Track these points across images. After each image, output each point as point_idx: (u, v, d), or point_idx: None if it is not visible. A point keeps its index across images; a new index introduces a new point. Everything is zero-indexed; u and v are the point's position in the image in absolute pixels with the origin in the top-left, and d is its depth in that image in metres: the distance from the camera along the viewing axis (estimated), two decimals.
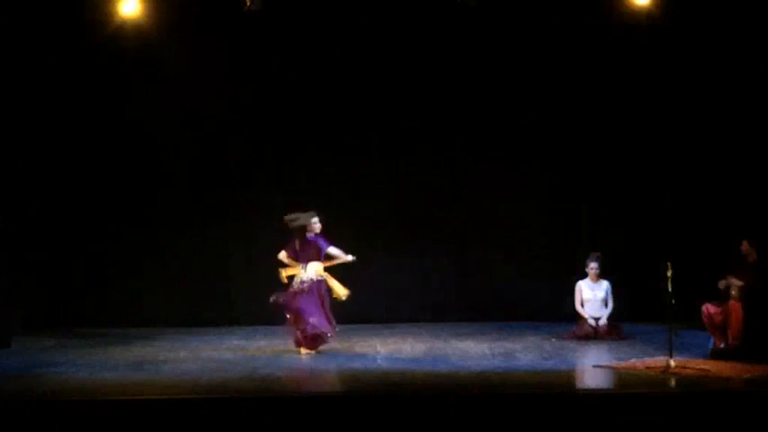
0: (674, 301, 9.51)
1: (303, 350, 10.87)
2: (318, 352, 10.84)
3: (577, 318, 12.14)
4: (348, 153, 13.53)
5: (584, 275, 12.23)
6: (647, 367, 9.59)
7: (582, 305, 12.16)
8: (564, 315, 12.50)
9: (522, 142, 13.63)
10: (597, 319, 12.03)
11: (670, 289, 9.53)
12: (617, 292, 12.18)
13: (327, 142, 13.54)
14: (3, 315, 11.65)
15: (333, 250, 11.05)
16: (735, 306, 10.20)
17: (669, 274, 9.55)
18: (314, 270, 10.97)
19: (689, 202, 13.22)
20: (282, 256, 11.05)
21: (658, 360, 9.77)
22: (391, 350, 11.06)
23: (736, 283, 10.24)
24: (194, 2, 12.95)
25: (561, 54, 13.36)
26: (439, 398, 8.45)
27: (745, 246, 10.45)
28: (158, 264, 13.42)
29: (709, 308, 10.38)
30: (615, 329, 11.92)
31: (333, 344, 11.20)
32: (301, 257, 11.00)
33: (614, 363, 9.99)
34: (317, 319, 10.81)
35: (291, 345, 11.00)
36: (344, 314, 12.93)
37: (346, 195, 13.26)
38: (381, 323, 13.03)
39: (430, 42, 13.42)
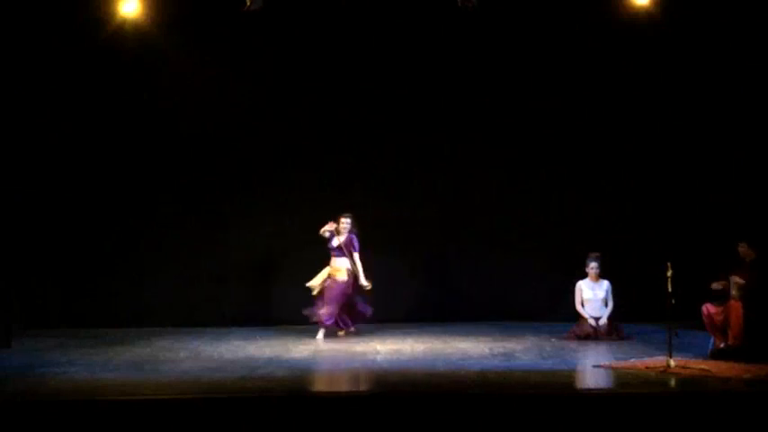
0: (674, 301, 9.51)
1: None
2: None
3: (577, 318, 12.15)
4: (348, 153, 13.53)
5: (584, 275, 12.24)
6: (647, 367, 9.59)
7: (582, 305, 12.17)
8: (564, 315, 12.50)
9: (523, 142, 13.63)
10: (597, 319, 12.04)
11: (670, 289, 9.53)
12: (617, 292, 12.19)
13: (327, 143, 13.55)
14: (3, 315, 11.65)
15: None
16: (735, 306, 10.19)
17: (669, 274, 9.55)
18: None
19: (689, 202, 13.27)
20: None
21: (658, 360, 9.77)
22: (391, 350, 11.07)
23: (737, 281, 10.24)
24: (194, 2, 12.96)
25: (561, 54, 13.39)
26: (439, 398, 8.45)
27: (742, 247, 10.45)
28: (158, 264, 13.42)
29: (709, 308, 10.39)
30: (615, 329, 11.93)
31: (332, 344, 11.55)
32: None
33: (614, 363, 9.99)
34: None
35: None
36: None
37: (346, 195, 13.24)
38: (381, 323, 13.02)
39: (430, 43, 13.43)
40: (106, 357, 10.58)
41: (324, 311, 12.01)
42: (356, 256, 12.17)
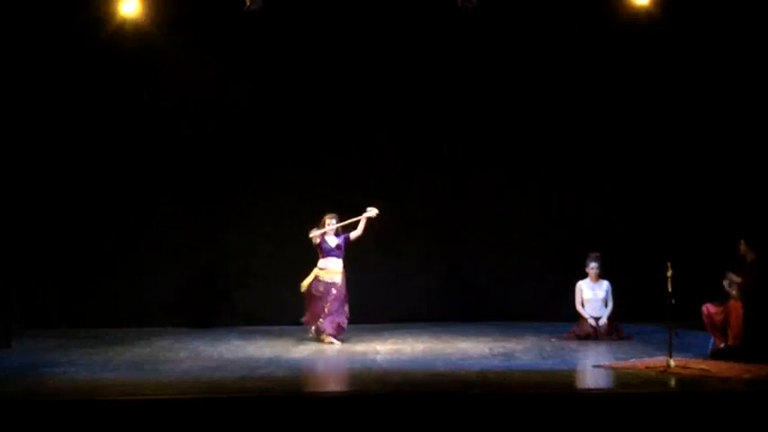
0: (674, 301, 9.50)
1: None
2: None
3: (577, 318, 12.15)
4: (348, 153, 13.53)
5: (584, 275, 12.24)
6: (647, 367, 9.59)
7: (582, 305, 12.17)
8: (564, 315, 12.49)
9: (523, 142, 13.64)
10: (597, 319, 12.04)
11: (670, 289, 9.53)
12: (617, 292, 12.19)
13: (328, 143, 13.55)
14: (3, 315, 11.65)
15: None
16: (735, 306, 10.19)
17: (669, 274, 9.55)
18: None
19: (689, 202, 13.28)
20: None
21: (658, 360, 9.77)
22: (391, 350, 11.07)
23: (734, 279, 10.23)
24: (194, 2, 12.97)
25: (561, 54, 13.40)
26: (439, 398, 8.45)
27: (742, 246, 10.45)
28: (158, 264, 13.42)
29: (709, 308, 10.38)
30: (615, 329, 11.93)
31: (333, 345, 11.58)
32: None
33: (614, 363, 9.99)
34: None
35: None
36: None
37: (346, 195, 13.23)
38: (381, 323, 13.02)
39: (430, 43, 13.43)
40: (106, 357, 10.58)
41: (330, 323, 11.65)
42: (355, 234, 11.84)
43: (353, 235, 11.87)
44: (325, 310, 11.67)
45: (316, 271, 11.80)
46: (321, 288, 11.72)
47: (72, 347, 11.32)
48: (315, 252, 11.86)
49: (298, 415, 8.07)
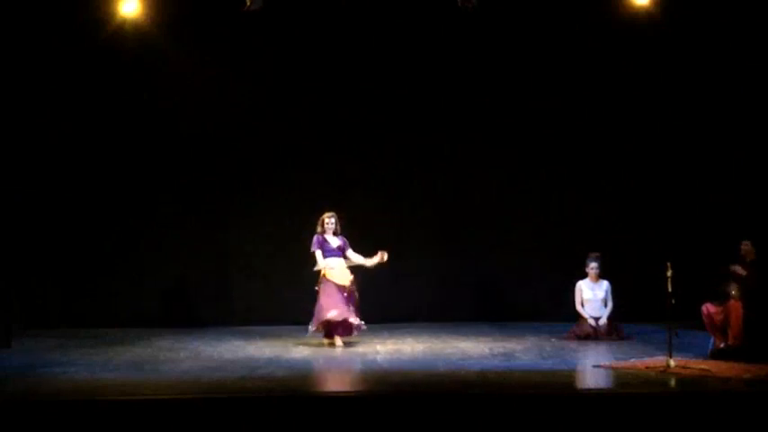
0: (674, 301, 9.51)
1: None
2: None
3: (577, 318, 12.15)
4: (348, 153, 13.53)
5: (584, 275, 12.24)
6: (647, 367, 9.58)
7: (582, 305, 12.17)
8: (564, 315, 12.49)
9: (522, 142, 13.64)
10: (597, 319, 12.04)
11: (670, 289, 9.53)
12: (617, 292, 12.19)
13: (328, 143, 13.55)
14: (3, 315, 11.65)
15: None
16: (735, 306, 10.19)
17: (669, 274, 9.55)
18: None
19: (689, 201, 13.28)
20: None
21: (658, 360, 9.77)
22: (391, 350, 11.07)
23: (739, 270, 10.23)
24: (194, 2, 12.97)
25: (561, 54, 13.40)
26: (439, 398, 8.45)
27: (745, 245, 10.45)
28: (158, 264, 13.42)
29: (709, 308, 10.38)
30: (615, 329, 11.93)
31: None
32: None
33: (614, 363, 9.99)
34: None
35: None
36: None
37: (346, 195, 13.25)
38: (381, 323, 13.02)
39: (430, 43, 13.44)
40: (106, 357, 10.57)
41: (338, 313, 11.36)
42: (351, 252, 11.64)
43: (350, 252, 11.61)
44: (344, 301, 11.40)
45: (324, 271, 11.50)
46: (338, 285, 11.43)
47: (72, 347, 11.32)
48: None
49: (298, 415, 8.07)
